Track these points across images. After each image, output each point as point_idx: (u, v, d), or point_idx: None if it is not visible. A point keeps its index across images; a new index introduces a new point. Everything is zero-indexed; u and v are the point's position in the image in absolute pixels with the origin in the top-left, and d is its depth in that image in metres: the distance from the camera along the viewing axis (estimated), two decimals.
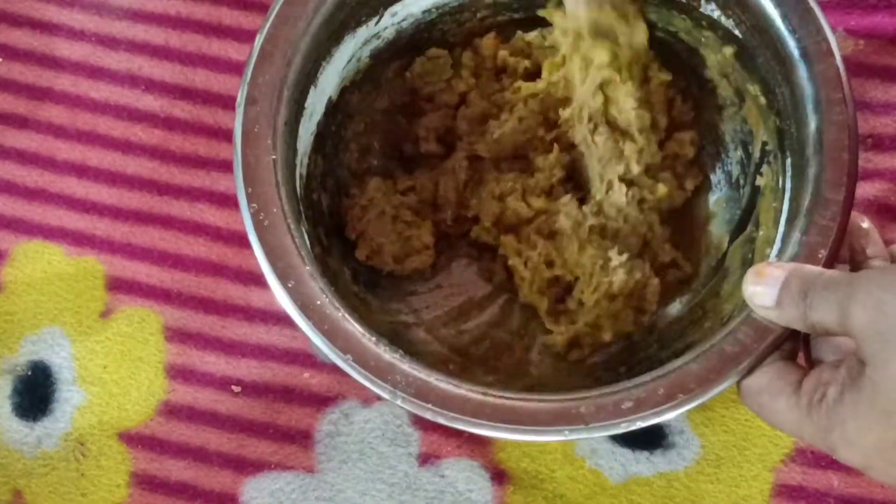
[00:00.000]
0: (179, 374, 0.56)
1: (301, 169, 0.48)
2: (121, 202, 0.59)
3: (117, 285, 0.58)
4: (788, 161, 0.47)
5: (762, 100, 0.49)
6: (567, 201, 0.53)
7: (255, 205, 0.43)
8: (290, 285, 0.42)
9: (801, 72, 0.45)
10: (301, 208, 0.46)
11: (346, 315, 0.42)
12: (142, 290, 0.57)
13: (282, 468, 0.54)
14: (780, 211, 0.46)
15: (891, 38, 0.59)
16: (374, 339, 0.42)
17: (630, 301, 0.52)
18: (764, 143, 0.50)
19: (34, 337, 0.57)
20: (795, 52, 0.45)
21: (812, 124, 0.44)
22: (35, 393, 0.56)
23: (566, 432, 0.40)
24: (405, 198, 0.54)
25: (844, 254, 0.44)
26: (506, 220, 0.54)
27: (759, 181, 0.50)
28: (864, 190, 0.57)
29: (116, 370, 0.56)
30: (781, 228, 0.45)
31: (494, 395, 0.41)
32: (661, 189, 0.53)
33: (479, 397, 0.41)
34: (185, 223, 0.58)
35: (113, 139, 0.60)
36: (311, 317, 0.42)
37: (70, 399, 0.56)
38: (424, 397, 0.41)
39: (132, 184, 0.59)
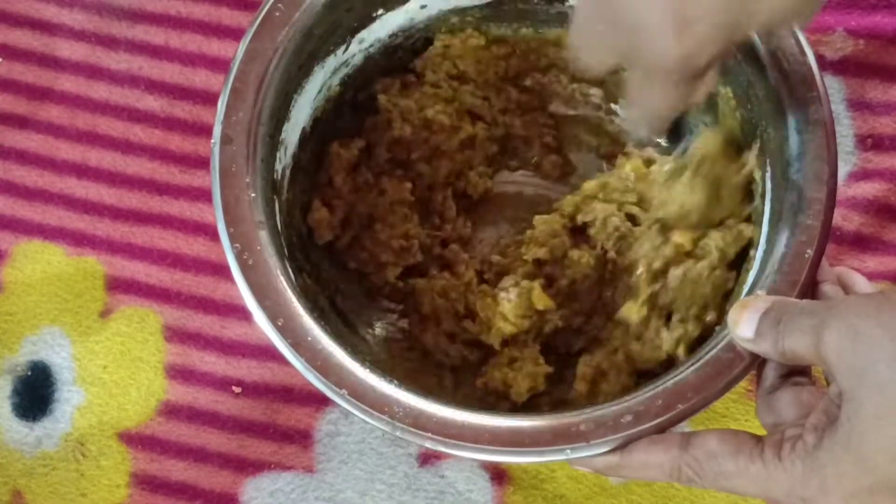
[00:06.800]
0: (179, 374, 0.56)
1: (280, 201, 0.48)
2: (121, 202, 0.59)
3: (117, 285, 0.58)
4: (766, 161, 0.47)
5: (734, 102, 0.49)
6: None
7: (238, 245, 0.43)
8: (279, 323, 0.42)
9: (773, 73, 0.45)
10: (283, 242, 0.46)
11: (338, 349, 0.42)
12: (141, 289, 0.57)
13: (281, 468, 0.54)
14: (762, 212, 0.46)
15: (891, 38, 0.59)
16: (367, 370, 0.41)
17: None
18: None
19: (34, 337, 0.57)
20: (765, 54, 0.45)
21: (788, 124, 0.44)
22: (35, 393, 0.56)
23: (568, 451, 0.39)
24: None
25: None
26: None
27: None
28: (864, 190, 0.57)
29: (116, 370, 0.56)
30: (765, 229, 0.45)
31: (493, 419, 0.41)
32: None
33: (478, 422, 0.40)
34: (185, 223, 0.58)
35: (113, 139, 0.60)
36: (303, 354, 0.41)
37: (70, 399, 0.56)
38: (423, 426, 0.40)
39: (132, 184, 0.59)
